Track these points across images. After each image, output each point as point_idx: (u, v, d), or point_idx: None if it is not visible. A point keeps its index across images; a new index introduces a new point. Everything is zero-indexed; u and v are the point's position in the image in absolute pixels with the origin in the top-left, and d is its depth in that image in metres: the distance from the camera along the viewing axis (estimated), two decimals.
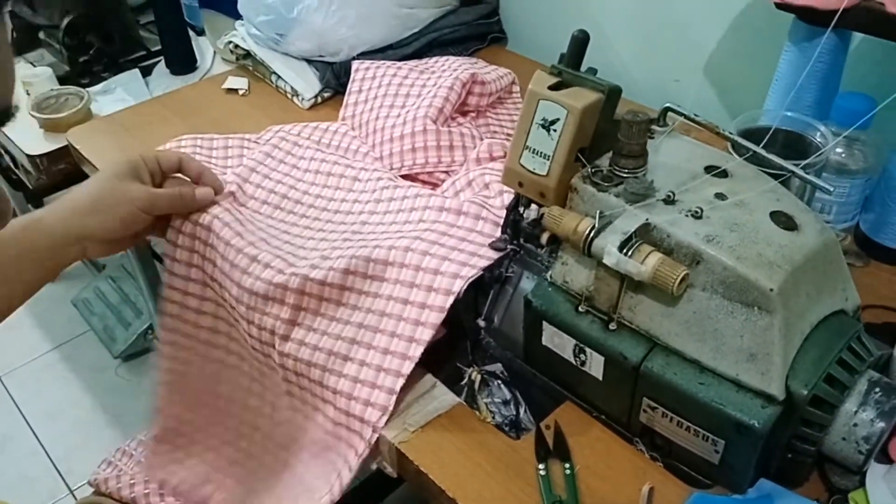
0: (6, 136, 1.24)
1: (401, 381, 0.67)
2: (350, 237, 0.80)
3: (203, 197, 0.80)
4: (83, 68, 1.34)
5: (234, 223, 0.80)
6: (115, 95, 1.28)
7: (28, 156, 1.19)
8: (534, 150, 0.63)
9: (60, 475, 1.62)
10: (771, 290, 0.54)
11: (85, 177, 1.15)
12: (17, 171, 1.32)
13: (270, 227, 0.84)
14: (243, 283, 0.74)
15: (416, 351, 0.68)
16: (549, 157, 0.62)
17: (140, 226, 0.77)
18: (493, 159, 0.89)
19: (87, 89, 1.26)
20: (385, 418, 0.66)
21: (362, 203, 0.88)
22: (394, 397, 0.67)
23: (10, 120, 0.34)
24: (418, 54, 1.17)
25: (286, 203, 0.89)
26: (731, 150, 0.70)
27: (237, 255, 0.76)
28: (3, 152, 1.59)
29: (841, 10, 0.74)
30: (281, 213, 0.88)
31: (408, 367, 0.68)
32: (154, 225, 0.80)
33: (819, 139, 0.75)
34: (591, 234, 0.58)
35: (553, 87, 0.61)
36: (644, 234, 0.57)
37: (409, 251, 0.72)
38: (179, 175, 0.82)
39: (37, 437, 1.68)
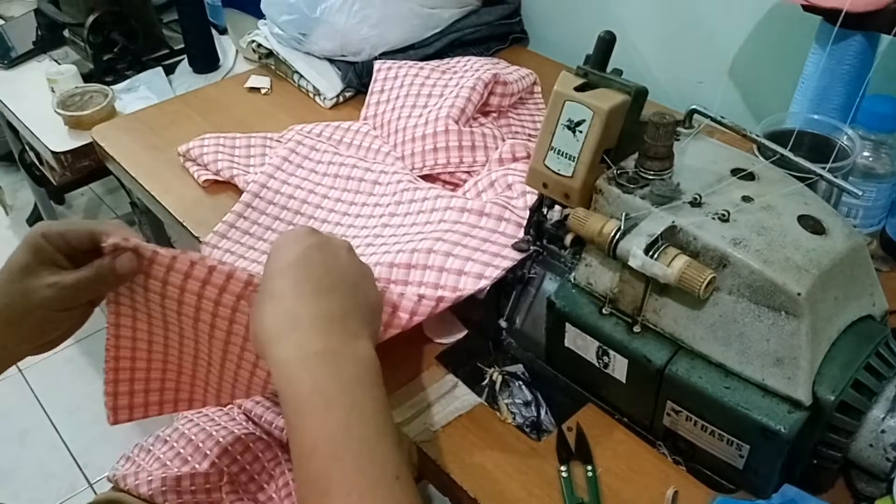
0: (31, 132, 1.25)
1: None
2: (373, 241, 0.81)
3: (123, 266, 0.62)
4: (107, 66, 1.35)
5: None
6: (139, 93, 1.29)
7: (53, 152, 1.20)
8: (559, 151, 0.63)
9: (80, 468, 1.63)
10: (798, 294, 0.53)
11: (108, 173, 1.16)
12: (41, 167, 1.33)
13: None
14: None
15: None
16: (574, 158, 0.62)
17: (67, 320, 0.64)
18: (515, 160, 0.88)
19: (112, 87, 1.27)
20: None
21: (383, 206, 0.88)
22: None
23: None
24: (440, 54, 1.17)
25: (306, 208, 0.90)
26: (756, 152, 0.70)
27: None
28: (27, 149, 1.61)
29: (870, 12, 0.73)
30: (301, 218, 0.89)
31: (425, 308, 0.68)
32: (102, 295, 0.66)
33: (846, 142, 0.75)
34: (617, 236, 0.58)
35: (579, 88, 0.61)
36: (670, 237, 0.57)
37: (431, 252, 0.72)
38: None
39: (57, 431, 1.70)
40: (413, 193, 0.87)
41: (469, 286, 0.69)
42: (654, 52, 1.13)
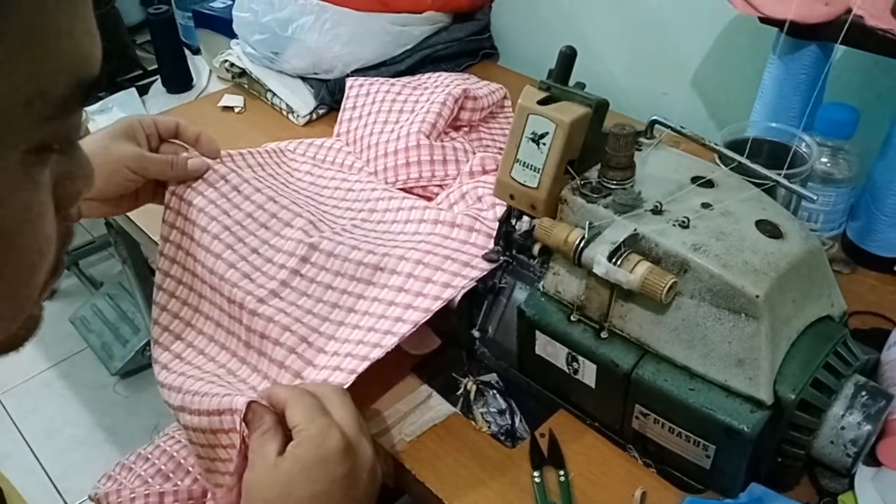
0: None
1: (364, 365, 0.66)
2: (340, 234, 0.81)
3: (196, 167, 0.80)
4: None
5: (221, 216, 0.80)
6: (113, 114, 1.29)
7: None
8: (524, 163, 0.64)
9: (59, 492, 1.62)
10: (757, 296, 0.55)
11: None
12: None
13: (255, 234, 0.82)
14: (220, 272, 0.76)
15: (389, 341, 0.67)
16: (539, 169, 0.63)
17: (131, 187, 0.77)
18: (485, 172, 0.90)
19: (85, 108, 1.27)
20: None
21: (355, 211, 0.89)
22: (352, 377, 0.65)
23: (100, 88, 0.35)
24: (411, 70, 1.19)
25: (273, 207, 0.85)
26: (718, 161, 0.72)
27: (218, 260, 0.77)
28: None
29: (822, 23, 0.76)
30: (270, 219, 0.86)
31: (377, 354, 0.66)
32: (155, 192, 0.81)
33: (804, 149, 0.77)
34: (581, 245, 0.59)
35: (542, 102, 0.63)
36: (632, 244, 0.59)
37: (402, 259, 0.73)
38: (177, 141, 0.82)
39: (35, 455, 1.69)
40: (388, 202, 0.88)
41: (435, 293, 0.70)
42: (619, 65, 1.16)
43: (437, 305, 0.68)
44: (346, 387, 0.64)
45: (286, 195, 0.87)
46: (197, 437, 0.67)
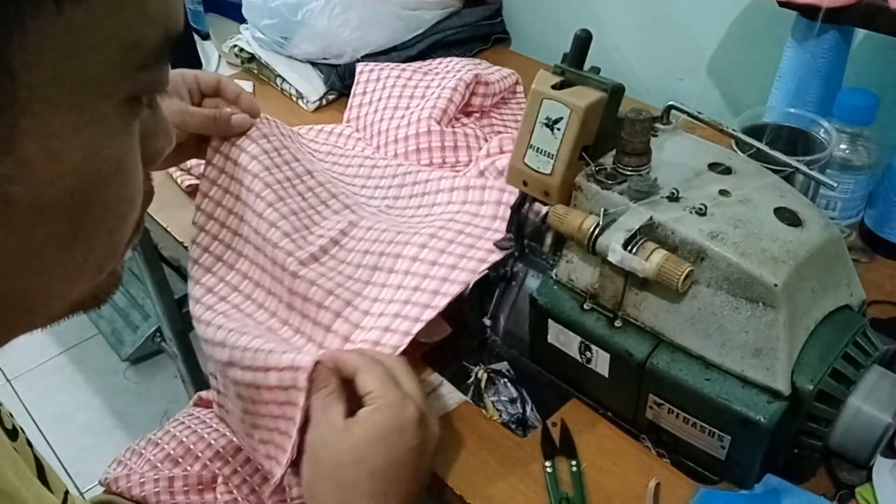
0: None
1: (418, 326, 0.66)
2: (377, 214, 0.82)
3: (239, 123, 0.79)
4: None
5: (262, 172, 0.79)
6: None
7: None
8: (538, 148, 0.63)
9: (70, 477, 1.63)
10: (775, 285, 0.54)
11: None
12: None
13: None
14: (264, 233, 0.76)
15: (441, 301, 0.68)
16: (553, 155, 0.62)
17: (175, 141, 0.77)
18: (503, 153, 0.89)
19: None
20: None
21: (384, 189, 0.89)
22: (407, 339, 0.66)
23: (182, 42, 0.36)
24: (422, 56, 1.18)
25: (311, 181, 0.85)
26: (735, 147, 0.71)
27: (260, 219, 0.77)
28: None
29: (842, 7, 0.74)
30: (307, 191, 0.85)
31: (428, 315, 0.67)
32: (198, 147, 0.80)
33: (823, 135, 0.76)
34: (596, 232, 0.58)
35: (556, 87, 0.62)
36: (648, 232, 0.58)
37: (434, 237, 0.74)
38: (218, 99, 0.82)
39: (46, 440, 1.70)
40: (415, 176, 0.88)
41: (472, 266, 0.70)
42: (634, 50, 1.14)
43: (482, 268, 0.69)
44: (398, 351, 0.65)
45: (320, 173, 0.87)
46: (248, 391, 0.67)
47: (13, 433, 0.50)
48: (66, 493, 0.55)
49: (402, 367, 0.62)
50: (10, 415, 0.52)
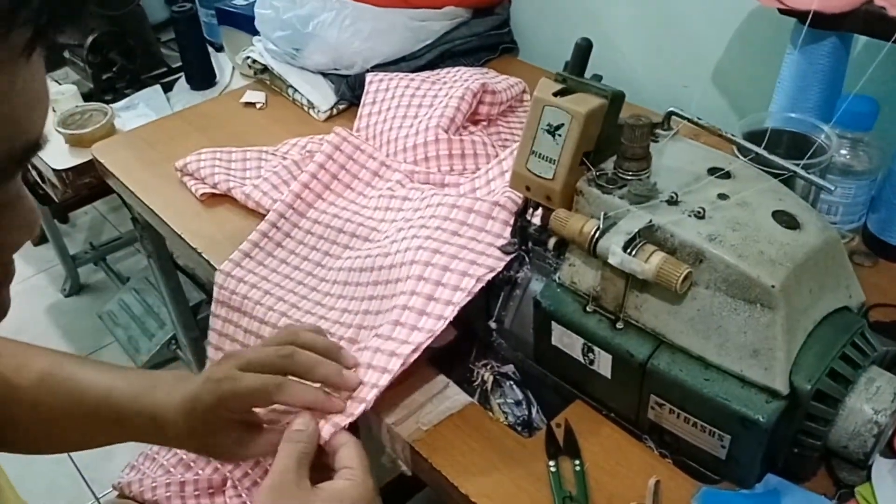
0: None
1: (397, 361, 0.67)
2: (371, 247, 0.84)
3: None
4: (107, 85, 1.38)
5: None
6: (138, 111, 1.32)
7: (54, 170, 1.22)
8: (540, 154, 0.65)
9: (86, 482, 1.65)
10: (773, 286, 0.55)
11: (110, 191, 1.18)
12: (43, 185, 1.36)
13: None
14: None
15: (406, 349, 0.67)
16: (554, 161, 0.64)
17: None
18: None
19: (111, 105, 1.30)
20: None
21: (382, 210, 0.91)
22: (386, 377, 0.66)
23: (40, 150, 0.35)
24: (431, 66, 1.19)
25: (330, 233, 0.91)
26: (737, 153, 0.72)
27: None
28: (29, 167, 1.63)
29: (842, 14, 0.75)
30: (325, 243, 0.90)
31: (394, 365, 0.66)
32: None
33: (823, 140, 0.77)
34: (597, 235, 0.60)
35: (558, 94, 0.63)
36: (648, 235, 0.59)
37: (413, 264, 0.74)
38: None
39: None
40: (407, 192, 0.91)
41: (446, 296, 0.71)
42: (639, 57, 1.16)
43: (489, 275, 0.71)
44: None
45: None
46: None
47: None
48: None
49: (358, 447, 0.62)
50: None
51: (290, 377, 0.62)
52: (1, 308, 0.39)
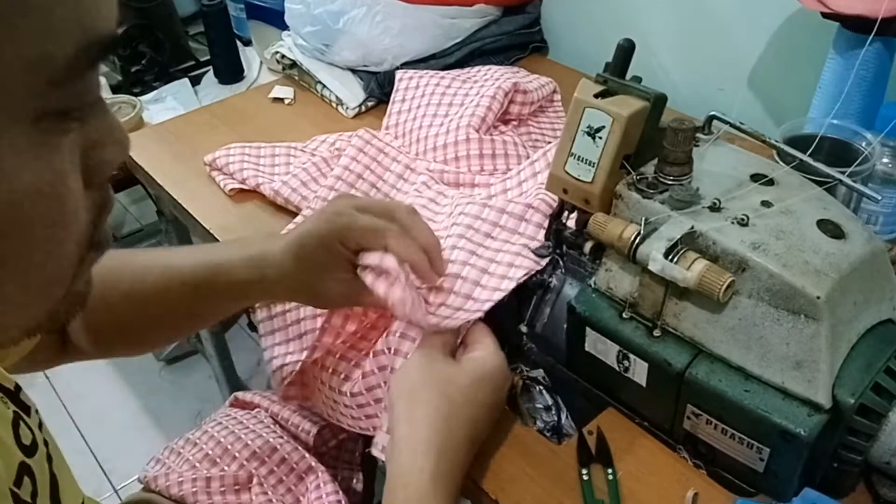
0: None
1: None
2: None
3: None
4: (135, 78, 1.38)
5: None
6: (166, 104, 1.31)
7: None
8: (579, 157, 0.63)
9: (105, 474, 1.66)
10: (818, 297, 0.54)
11: (133, 183, 1.18)
12: None
13: None
14: None
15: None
16: (594, 164, 0.63)
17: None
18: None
19: (139, 98, 1.30)
20: None
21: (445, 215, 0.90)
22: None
23: (115, 48, 0.33)
24: (461, 63, 1.19)
25: None
26: (776, 158, 0.70)
27: None
28: None
29: (887, 18, 0.73)
30: None
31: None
32: None
33: (865, 147, 0.75)
34: (637, 241, 0.59)
35: (598, 95, 0.62)
36: (689, 241, 0.58)
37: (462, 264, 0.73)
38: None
39: (83, 438, 1.73)
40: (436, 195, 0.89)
41: (485, 297, 0.70)
42: (673, 59, 1.14)
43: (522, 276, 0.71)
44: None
45: None
46: None
47: (31, 448, 0.49)
48: (83, 501, 0.56)
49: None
50: (39, 427, 0.52)
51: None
52: (106, 242, 0.37)
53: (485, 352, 0.65)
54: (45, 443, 0.52)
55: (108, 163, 0.36)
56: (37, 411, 0.53)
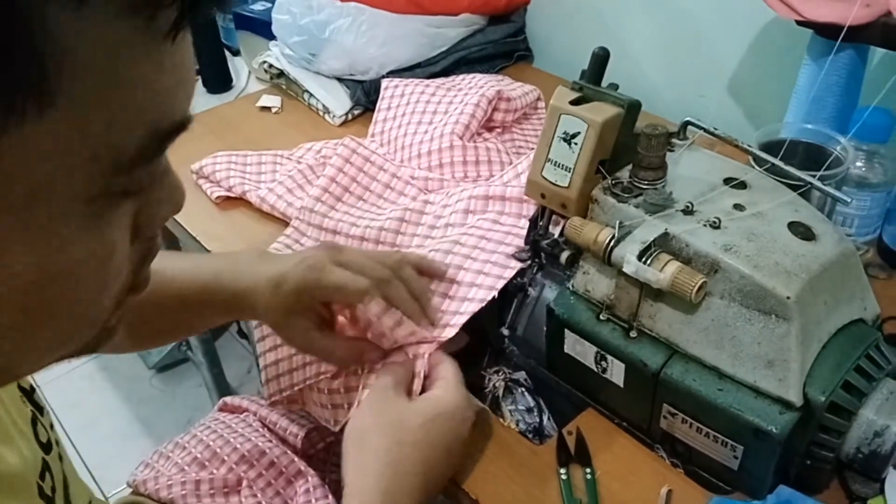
0: None
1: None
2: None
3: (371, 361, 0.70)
4: None
5: None
6: None
7: None
8: (556, 162, 0.65)
9: (96, 482, 1.66)
10: (788, 298, 0.55)
11: None
12: None
13: None
14: None
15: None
16: (570, 169, 0.64)
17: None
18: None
19: None
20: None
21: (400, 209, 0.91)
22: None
23: (185, 129, 0.33)
24: (446, 72, 1.20)
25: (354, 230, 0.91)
26: (752, 163, 0.72)
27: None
28: None
29: (859, 26, 0.75)
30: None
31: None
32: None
33: (839, 151, 0.77)
34: (611, 244, 0.60)
35: (574, 102, 0.64)
36: (663, 244, 0.59)
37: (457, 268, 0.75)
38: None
39: (73, 446, 1.73)
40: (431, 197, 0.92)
41: (480, 296, 0.71)
42: (656, 67, 1.16)
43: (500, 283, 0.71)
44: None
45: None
46: None
47: (48, 446, 0.50)
48: (90, 501, 0.57)
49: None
50: (52, 426, 0.53)
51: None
52: (144, 283, 0.38)
53: (442, 390, 0.63)
54: (57, 442, 0.53)
55: (161, 219, 0.37)
56: (48, 412, 0.54)
